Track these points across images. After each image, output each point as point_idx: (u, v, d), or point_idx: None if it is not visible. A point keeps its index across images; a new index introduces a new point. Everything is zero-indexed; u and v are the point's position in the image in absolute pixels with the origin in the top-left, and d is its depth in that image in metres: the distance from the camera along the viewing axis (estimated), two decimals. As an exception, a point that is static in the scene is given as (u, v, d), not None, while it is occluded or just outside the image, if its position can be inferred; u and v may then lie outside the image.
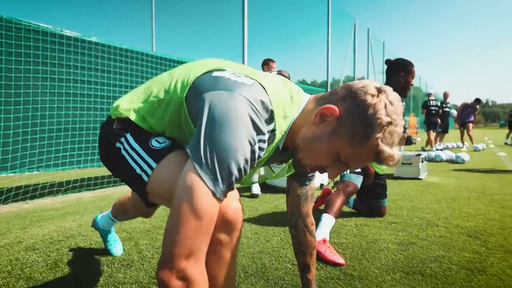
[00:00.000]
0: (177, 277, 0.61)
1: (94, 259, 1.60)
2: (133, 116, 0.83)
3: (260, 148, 0.70)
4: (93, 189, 3.34)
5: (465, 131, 8.74)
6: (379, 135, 0.67)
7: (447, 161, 6.09)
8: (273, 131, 0.74)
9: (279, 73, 3.22)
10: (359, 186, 2.15)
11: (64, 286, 1.34)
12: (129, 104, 0.86)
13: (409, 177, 4.16)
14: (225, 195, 0.65)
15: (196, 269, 0.63)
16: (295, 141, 0.77)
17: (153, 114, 0.82)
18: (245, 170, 0.65)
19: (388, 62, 2.23)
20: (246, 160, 0.64)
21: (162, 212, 2.36)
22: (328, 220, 1.85)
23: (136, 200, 1.19)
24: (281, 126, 0.75)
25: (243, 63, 5.18)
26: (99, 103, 3.46)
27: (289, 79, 3.21)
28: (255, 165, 0.70)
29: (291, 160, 0.89)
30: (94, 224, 1.64)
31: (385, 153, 0.68)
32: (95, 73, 3.41)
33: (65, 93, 3.17)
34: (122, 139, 0.83)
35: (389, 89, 0.72)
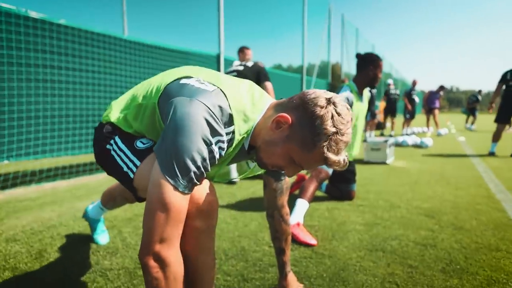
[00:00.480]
0: (153, 259, 0.73)
1: (79, 248, 1.65)
2: (121, 125, 0.94)
3: (220, 148, 0.79)
4: (68, 178, 3.28)
5: (432, 116, 9.32)
6: (325, 143, 0.76)
7: (412, 146, 6.50)
8: (233, 133, 0.83)
9: (255, 64, 3.27)
10: (330, 172, 2.31)
11: (51, 275, 1.39)
12: (117, 113, 0.96)
13: (377, 162, 4.45)
14: (189, 188, 0.74)
15: (169, 252, 0.74)
16: (258, 143, 0.87)
17: (136, 118, 0.93)
18: (204, 167, 0.75)
19: (358, 56, 2.36)
20: (203, 158, 0.73)
21: (142, 200, 2.40)
22: (302, 205, 2.00)
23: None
24: (241, 129, 0.84)
25: (219, 47, 5.14)
26: (71, 89, 3.35)
27: (263, 69, 3.28)
28: (216, 163, 0.80)
29: None
30: (85, 214, 1.69)
31: (331, 160, 0.77)
32: (65, 57, 3.28)
33: (34, 79, 3.04)
34: (112, 141, 0.94)
35: (339, 100, 0.80)
